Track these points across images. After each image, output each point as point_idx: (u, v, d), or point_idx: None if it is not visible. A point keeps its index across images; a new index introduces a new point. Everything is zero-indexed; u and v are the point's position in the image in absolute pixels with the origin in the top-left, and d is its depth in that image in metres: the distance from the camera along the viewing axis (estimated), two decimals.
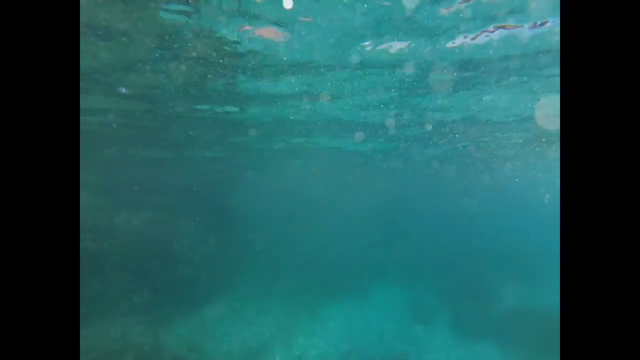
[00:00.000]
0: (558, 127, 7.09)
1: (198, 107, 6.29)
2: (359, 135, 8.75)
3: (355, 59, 4.27)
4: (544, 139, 8.35)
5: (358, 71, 4.74)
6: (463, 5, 3.15)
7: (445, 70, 4.62)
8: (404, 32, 3.64)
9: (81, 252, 7.90)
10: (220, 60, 4.41)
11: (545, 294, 10.92)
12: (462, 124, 7.69)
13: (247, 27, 3.64)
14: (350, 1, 3.04)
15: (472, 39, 3.77)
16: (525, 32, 3.57)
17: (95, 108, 6.45)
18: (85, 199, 8.66)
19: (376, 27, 3.55)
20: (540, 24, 3.42)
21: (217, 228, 7.70)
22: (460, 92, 5.47)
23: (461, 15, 3.31)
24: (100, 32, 3.65)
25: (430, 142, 9.58)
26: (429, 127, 7.96)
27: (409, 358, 8.80)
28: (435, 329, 10.61)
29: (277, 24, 3.52)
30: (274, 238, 14.19)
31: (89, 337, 7.07)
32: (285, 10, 3.23)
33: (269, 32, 3.73)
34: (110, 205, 8.80)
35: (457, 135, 8.92)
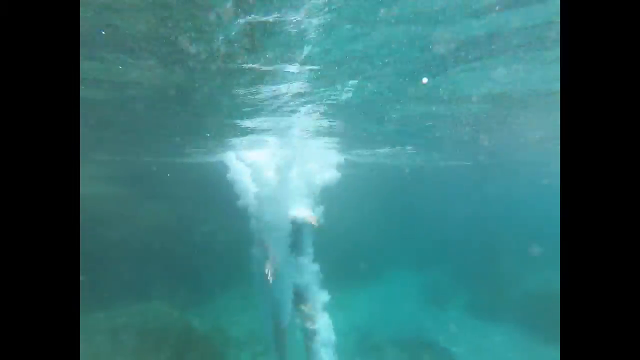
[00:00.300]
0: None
1: None
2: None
3: None
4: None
5: None
6: None
7: None
8: None
9: (109, 241, 8.24)
10: None
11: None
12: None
13: None
14: None
15: None
16: None
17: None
18: (113, 190, 8.99)
19: None
20: None
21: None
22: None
23: None
24: None
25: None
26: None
27: (424, 339, 9.00)
28: (451, 311, 10.76)
29: None
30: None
31: (124, 316, 7.43)
32: None
33: None
34: (135, 196, 9.12)
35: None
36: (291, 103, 4.95)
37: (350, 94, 4.75)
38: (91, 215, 8.48)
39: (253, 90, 4.29)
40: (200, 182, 9.33)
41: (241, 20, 2.69)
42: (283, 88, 4.28)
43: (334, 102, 5.04)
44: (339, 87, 4.41)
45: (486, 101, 5.55)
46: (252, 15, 2.63)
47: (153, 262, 8.14)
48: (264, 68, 3.65)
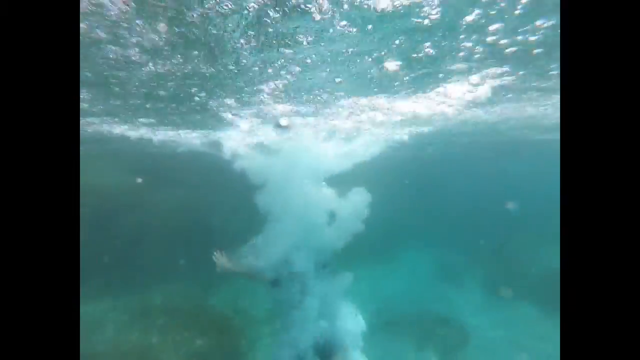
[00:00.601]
0: None
1: None
2: None
3: None
4: None
5: None
6: None
7: None
8: None
9: (130, 228, 8.61)
10: None
11: None
12: None
13: None
14: None
15: None
16: None
17: None
18: (130, 180, 9.30)
19: None
20: None
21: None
22: None
23: None
24: None
25: None
26: None
27: (440, 315, 9.16)
28: (466, 288, 10.84)
29: None
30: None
31: (147, 299, 7.83)
32: None
33: None
34: (151, 184, 9.43)
35: None
36: None
37: None
38: (113, 204, 8.87)
39: None
40: (212, 168, 9.57)
41: None
42: None
43: None
44: None
45: None
46: None
47: (173, 246, 8.52)
48: None
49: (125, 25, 2.93)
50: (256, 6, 2.94)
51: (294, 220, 6.28)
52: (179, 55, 3.91)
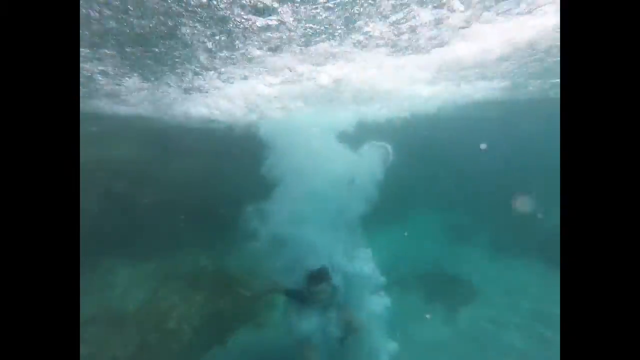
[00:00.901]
0: None
1: None
2: None
3: None
4: None
5: None
6: None
7: None
8: None
9: (144, 199, 8.92)
10: None
11: None
12: None
13: None
14: None
15: None
16: None
17: None
18: (141, 152, 9.51)
19: None
20: None
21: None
22: None
23: None
24: None
25: None
26: None
27: (447, 274, 9.47)
28: (474, 248, 11.06)
29: None
30: None
31: (166, 267, 8.26)
32: None
33: None
34: (161, 156, 9.66)
35: None
36: None
37: None
38: (126, 177, 9.13)
39: None
40: (222, 137, 9.66)
41: None
42: None
43: None
44: None
45: None
46: None
47: (189, 216, 8.85)
48: None
49: None
50: None
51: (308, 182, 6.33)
52: None
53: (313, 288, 4.37)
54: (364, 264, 6.33)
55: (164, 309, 7.28)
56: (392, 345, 5.66)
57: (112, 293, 7.49)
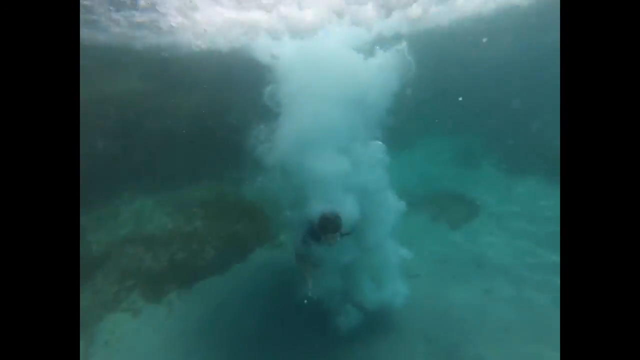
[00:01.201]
0: None
1: None
2: None
3: None
4: None
5: None
6: None
7: None
8: None
9: (155, 132, 9.08)
10: None
11: None
12: None
13: None
14: None
15: None
16: None
17: None
18: (147, 85, 9.42)
19: None
20: None
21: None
22: None
23: None
24: None
25: None
26: None
27: (455, 193, 9.76)
28: (482, 169, 11.18)
29: None
30: None
31: (185, 194, 8.74)
32: None
33: None
34: (167, 89, 9.57)
35: None
36: None
37: None
38: (134, 110, 9.18)
39: None
40: (226, 68, 9.39)
41: None
42: None
43: None
44: None
45: None
46: None
47: (200, 146, 9.08)
48: None
49: None
50: None
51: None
52: None
53: (327, 235, 4.38)
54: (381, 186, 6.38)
55: (187, 233, 7.90)
56: (405, 251, 6.09)
57: (140, 220, 8.11)
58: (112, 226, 8.07)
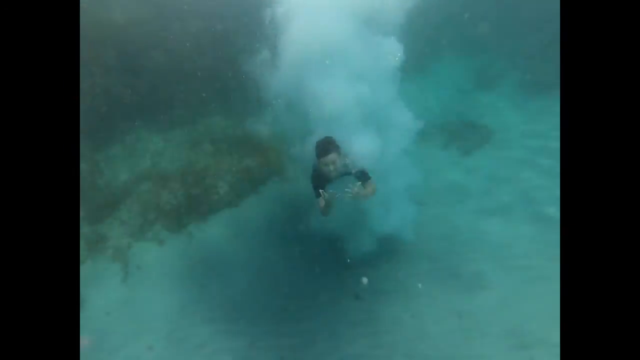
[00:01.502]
0: None
1: None
2: None
3: None
4: None
5: None
6: None
7: None
8: None
9: (157, 66, 8.81)
10: None
11: None
12: None
13: None
14: None
15: None
16: None
17: None
18: (142, 13, 8.90)
19: None
20: None
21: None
22: None
23: None
24: None
25: None
26: None
27: (466, 119, 9.46)
28: (500, 91, 10.63)
29: None
30: None
31: (193, 131, 8.80)
32: None
33: None
34: (165, 16, 9.04)
35: None
36: None
37: None
38: (133, 44, 8.81)
39: None
40: None
41: None
42: None
43: None
44: None
45: None
46: None
47: (203, 81, 8.84)
48: None
49: None
50: None
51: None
52: None
53: (321, 159, 4.05)
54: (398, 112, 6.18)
55: (199, 169, 8.13)
56: (415, 175, 6.12)
57: (152, 157, 8.33)
58: (129, 164, 8.34)
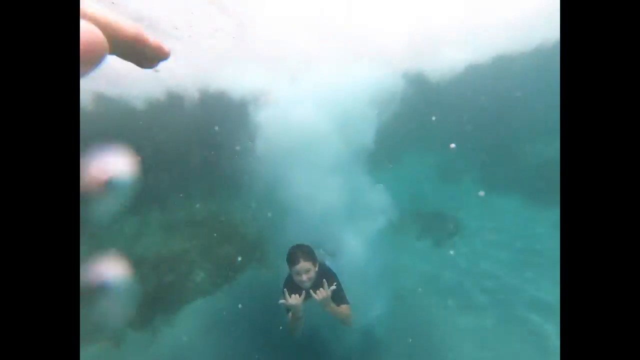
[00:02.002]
0: None
1: None
2: None
3: None
4: None
5: None
6: None
7: None
8: None
9: (145, 152, 9.11)
10: None
11: None
12: None
13: None
14: None
15: None
16: None
17: None
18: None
19: None
20: None
21: None
22: None
23: None
24: None
25: None
26: None
27: (436, 211, 10.12)
28: (463, 186, 11.63)
29: None
30: None
31: (171, 215, 8.73)
32: None
33: None
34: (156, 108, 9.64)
35: None
36: None
37: None
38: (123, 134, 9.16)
39: None
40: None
41: None
42: None
43: None
44: None
45: None
46: None
47: (186, 164, 9.16)
48: None
49: None
50: None
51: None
52: None
53: (293, 268, 3.70)
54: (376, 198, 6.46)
55: (175, 254, 7.93)
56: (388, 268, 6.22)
57: (125, 239, 8.09)
58: (97, 247, 8.03)
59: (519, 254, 7.95)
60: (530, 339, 5.79)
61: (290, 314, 3.82)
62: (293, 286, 3.87)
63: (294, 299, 3.61)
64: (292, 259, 3.71)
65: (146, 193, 8.87)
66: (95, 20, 0.57)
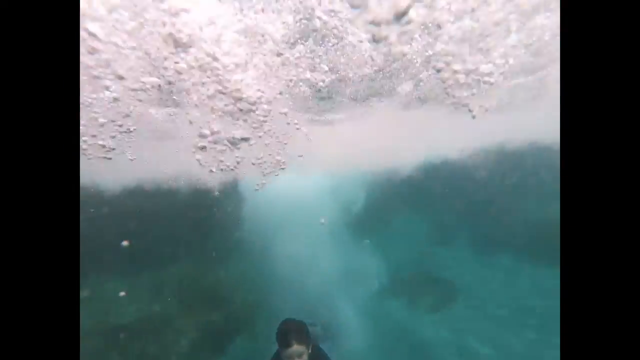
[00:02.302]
0: None
1: None
2: None
3: None
4: None
5: None
6: None
7: None
8: None
9: (133, 221, 8.98)
10: None
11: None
12: None
13: None
14: None
15: None
16: None
17: None
18: None
19: None
20: None
21: None
22: None
23: None
24: None
25: None
26: None
27: (431, 275, 9.95)
28: (456, 248, 11.59)
29: None
30: None
31: (161, 277, 8.35)
32: None
33: None
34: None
35: None
36: None
37: None
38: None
39: None
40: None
41: None
42: None
43: None
44: None
45: None
46: None
47: (175, 232, 8.97)
48: None
49: None
50: None
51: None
52: None
53: (283, 352, 3.18)
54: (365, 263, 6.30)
55: (160, 322, 7.47)
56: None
57: (107, 307, 7.62)
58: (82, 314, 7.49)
59: (516, 312, 7.75)
60: None
61: None
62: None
63: None
64: (283, 341, 3.16)
65: (130, 253, 8.56)
66: None
